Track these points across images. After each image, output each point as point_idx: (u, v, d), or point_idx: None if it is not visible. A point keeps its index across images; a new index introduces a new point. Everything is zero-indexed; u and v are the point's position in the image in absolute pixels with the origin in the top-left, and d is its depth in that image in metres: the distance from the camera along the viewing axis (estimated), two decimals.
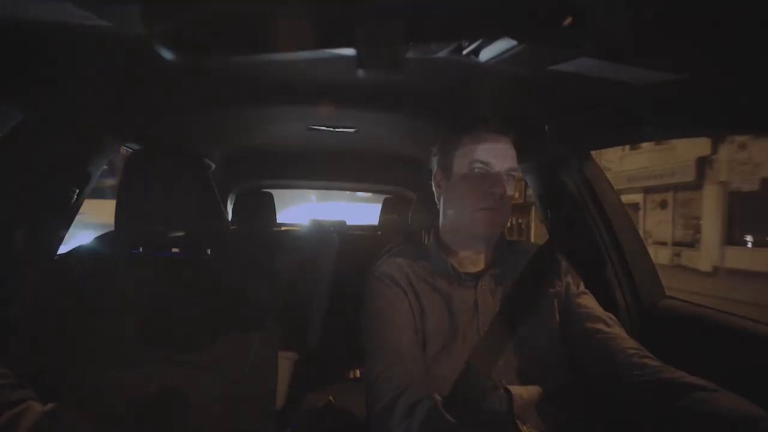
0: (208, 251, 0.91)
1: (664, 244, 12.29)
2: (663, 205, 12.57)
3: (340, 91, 0.96)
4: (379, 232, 2.02)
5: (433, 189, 0.89)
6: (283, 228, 2.31)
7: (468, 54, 0.59)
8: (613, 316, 0.82)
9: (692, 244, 11.51)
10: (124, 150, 1.24)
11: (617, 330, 0.79)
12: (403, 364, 0.71)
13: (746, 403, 0.58)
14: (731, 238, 10.37)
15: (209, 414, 0.80)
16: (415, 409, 0.64)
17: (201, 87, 0.97)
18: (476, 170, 0.78)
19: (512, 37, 0.53)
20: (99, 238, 0.92)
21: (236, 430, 0.81)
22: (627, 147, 12.01)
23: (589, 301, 0.84)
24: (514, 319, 0.79)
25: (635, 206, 12.92)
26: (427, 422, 0.62)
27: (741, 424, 0.55)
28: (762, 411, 0.56)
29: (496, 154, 0.78)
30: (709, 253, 10.70)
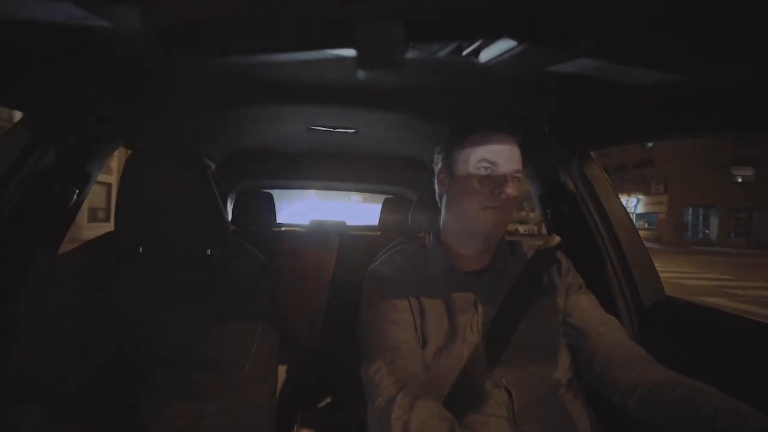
0: (208, 251, 0.91)
1: None
2: None
3: (340, 91, 0.96)
4: (379, 233, 2.02)
5: (436, 187, 0.88)
6: (283, 228, 2.31)
7: (468, 54, 0.59)
8: (614, 318, 0.83)
9: None
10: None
11: (618, 333, 0.79)
12: (403, 361, 0.71)
13: (746, 408, 0.57)
14: None
15: (209, 414, 0.80)
16: (414, 405, 0.63)
17: (201, 87, 0.96)
18: (482, 170, 0.77)
19: (512, 37, 0.53)
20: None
21: (236, 430, 0.81)
22: None
23: (591, 303, 0.84)
24: (514, 318, 0.78)
25: None
26: (426, 419, 0.61)
27: (739, 428, 0.55)
28: (762, 415, 0.56)
29: (503, 155, 0.77)
30: None
